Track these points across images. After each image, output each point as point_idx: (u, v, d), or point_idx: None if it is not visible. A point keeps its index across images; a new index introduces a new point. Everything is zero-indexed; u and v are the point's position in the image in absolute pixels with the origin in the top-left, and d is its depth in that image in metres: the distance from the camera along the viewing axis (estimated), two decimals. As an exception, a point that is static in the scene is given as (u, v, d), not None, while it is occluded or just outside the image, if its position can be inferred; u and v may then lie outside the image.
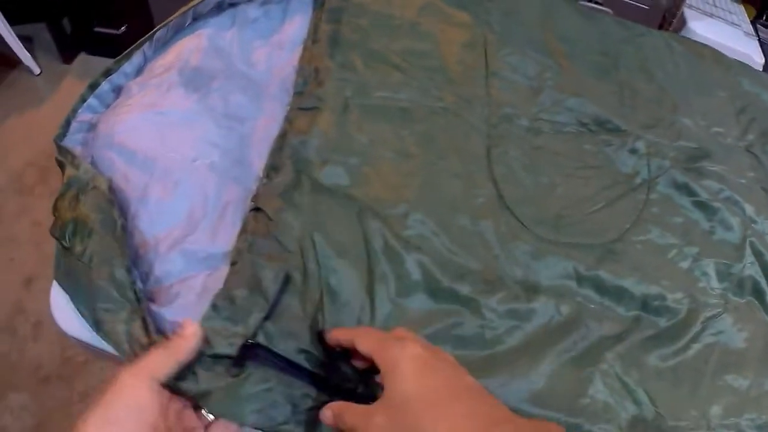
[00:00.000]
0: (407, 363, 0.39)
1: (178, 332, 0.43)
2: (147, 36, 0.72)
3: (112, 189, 0.55)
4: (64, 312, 0.52)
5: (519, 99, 0.70)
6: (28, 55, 1.82)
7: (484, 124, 0.67)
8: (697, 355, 0.59)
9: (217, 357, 0.43)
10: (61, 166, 0.60)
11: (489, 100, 0.69)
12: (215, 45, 0.71)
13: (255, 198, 0.56)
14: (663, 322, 0.60)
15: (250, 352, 0.44)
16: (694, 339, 0.60)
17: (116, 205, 0.54)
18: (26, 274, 1.44)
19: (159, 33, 0.71)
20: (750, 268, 0.69)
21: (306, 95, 0.64)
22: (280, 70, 0.68)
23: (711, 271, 0.68)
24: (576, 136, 0.72)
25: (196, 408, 0.43)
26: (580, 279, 0.59)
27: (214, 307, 0.45)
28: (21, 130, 1.73)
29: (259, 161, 0.60)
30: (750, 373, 0.59)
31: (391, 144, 0.60)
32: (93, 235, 0.51)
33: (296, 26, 0.76)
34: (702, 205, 0.73)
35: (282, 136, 0.60)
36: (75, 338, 0.54)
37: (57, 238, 0.56)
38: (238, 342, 0.44)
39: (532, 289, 0.56)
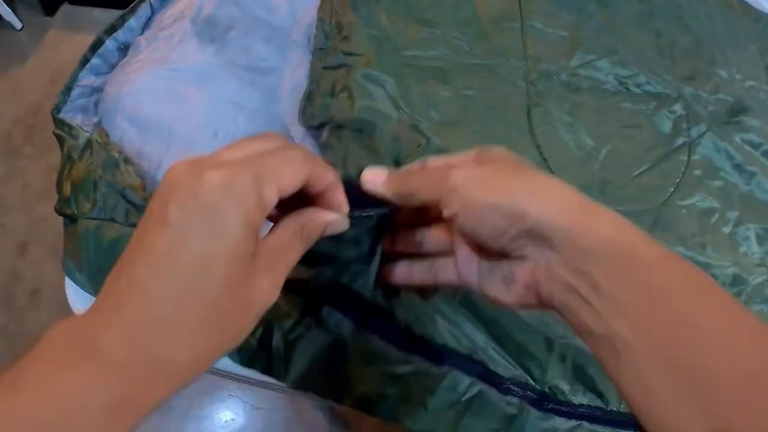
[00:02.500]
0: (495, 147, 0.36)
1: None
2: (153, -16, 0.66)
3: (120, 153, 0.52)
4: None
5: (557, 52, 0.65)
6: (8, 9, 1.73)
7: (522, 81, 0.62)
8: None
9: None
10: (60, 140, 0.55)
11: (526, 54, 0.64)
12: (230, -11, 0.64)
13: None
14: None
15: None
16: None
17: (111, 144, 0.51)
18: (19, 240, 1.39)
19: (167, -20, 0.65)
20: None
21: (330, 52, 0.59)
22: (305, 15, 0.62)
23: (751, 234, 0.66)
24: (614, 95, 0.68)
25: None
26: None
27: None
28: (5, 88, 1.65)
29: (290, 116, 0.55)
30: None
31: (425, 109, 0.55)
32: (99, 185, 0.48)
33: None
34: (740, 168, 0.70)
35: (308, 97, 0.55)
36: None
37: (63, 215, 0.52)
38: None
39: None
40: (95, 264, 0.49)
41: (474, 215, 0.32)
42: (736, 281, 0.60)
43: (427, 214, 0.39)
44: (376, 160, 0.49)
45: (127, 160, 0.51)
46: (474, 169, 0.34)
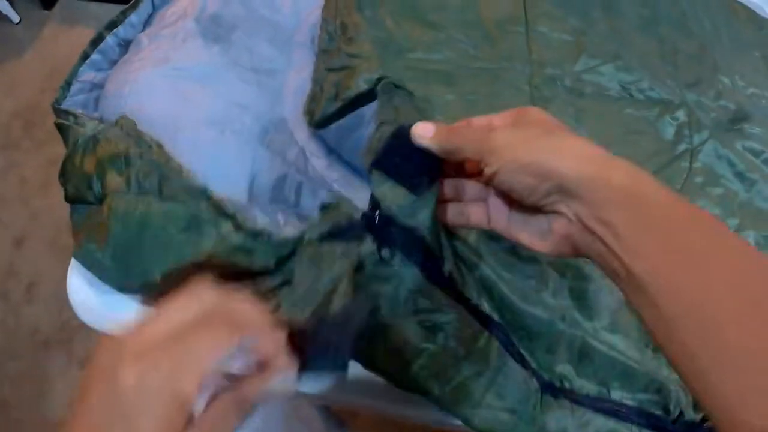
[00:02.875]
0: (533, 109, 0.39)
1: None
2: (155, -20, 0.65)
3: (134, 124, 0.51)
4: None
5: (561, 57, 0.65)
6: (6, 2, 1.73)
7: (527, 85, 0.62)
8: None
9: None
10: (62, 130, 0.54)
11: (530, 58, 0.64)
12: (235, -12, 0.64)
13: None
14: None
15: None
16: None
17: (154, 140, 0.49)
18: (16, 235, 1.39)
19: (170, -24, 0.64)
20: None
21: (334, 53, 0.58)
22: (310, 14, 0.62)
23: (751, 241, 0.66)
24: (617, 100, 0.68)
25: None
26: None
27: None
28: (3, 82, 1.64)
29: (294, 118, 0.54)
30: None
31: (429, 114, 0.55)
32: (132, 160, 0.47)
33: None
34: (741, 176, 0.70)
35: (312, 99, 0.55)
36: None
37: (77, 199, 0.50)
38: None
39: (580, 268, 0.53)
40: (123, 239, 0.47)
41: (511, 174, 0.36)
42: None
43: (464, 167, 0.43)
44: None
45: (160, 145, 0.50)
46: (511, 132, 0.37)
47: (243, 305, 0.34)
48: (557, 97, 0.62)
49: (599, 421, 0.48)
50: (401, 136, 0.40)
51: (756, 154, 0.74)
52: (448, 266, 0.43)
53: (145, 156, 0.47)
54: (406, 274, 0.43)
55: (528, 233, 0.39)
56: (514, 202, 0.40)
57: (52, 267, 1.31)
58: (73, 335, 1.24)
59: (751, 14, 0.98)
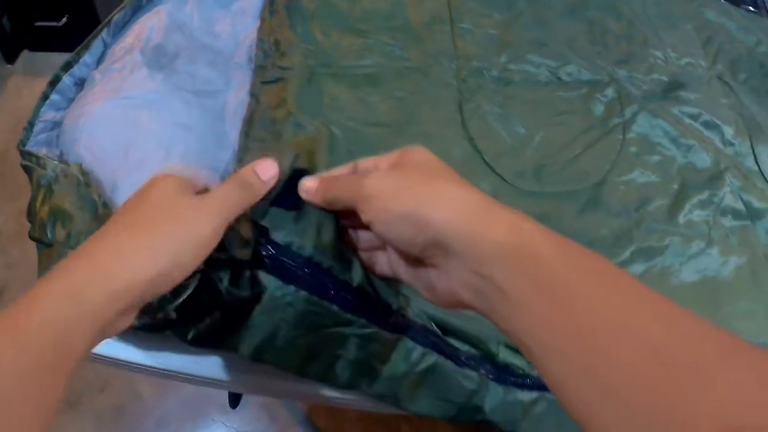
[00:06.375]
0: (418, 149, 0.38)
1: (256, 170, 0.40)
2: (105, 22, 0.70)
3: (84, 171, 0.54)
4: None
5: (487, 50, 0.69)
6: (-31, 59, 1.76)
7: (454, 80, 0.65)
8: (687, 292, 0.60)
9: None
10: (28, 171, 0.58)
11: (456, 54, 0.68)
12: (176, 20, 0.68)
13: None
14: (651, 264, 0.61)
15: None
16: (680, 274, 0.61)
17: (93, 185, 0.53)
18: (-6, 289, 1.42)
19: (117, 16, 0.69)
20: (729, 196, 0.69)
21: (269, 68, 0.63)
22: (247, 37, 0.66)
23: (694, 203, 0.68)
24: (546, 85, 0.71)
25: None
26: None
27: None
28: (-31, 138, 1.68)
29: (236, 133, 0.58)
30: (744, 301, 0.60)
31: (359, 113, 0.59)
32: (74, 219, 0.50)
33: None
34: (676, 142, 0.73)
35: (250, 116, 0.59)
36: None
37: (38, 239, 0.55)
38: None
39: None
40: None
41: (386, 224, 0.34)
42: (676, 255, 0.62)
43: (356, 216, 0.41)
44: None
45: (106, 204, 0.54)
46: (387, 178, 0.35)
47: None
48: (484, 87, 0.66)
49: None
50: (296, 177, 0.41)
51: (694, 117, 0.77)
52: (358, 279, 0.43)
53: (86, 216, 0.51)
54: (299, 298, 0.44)
55: (420, 284, 0.37)
56: (405, 254, 0.37)
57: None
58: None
59: (681, -12, 1.02)
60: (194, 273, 0.39)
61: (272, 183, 0.41)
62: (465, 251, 0.31)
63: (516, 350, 0.51)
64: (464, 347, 0.51)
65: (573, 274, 0.29)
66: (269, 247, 0.43)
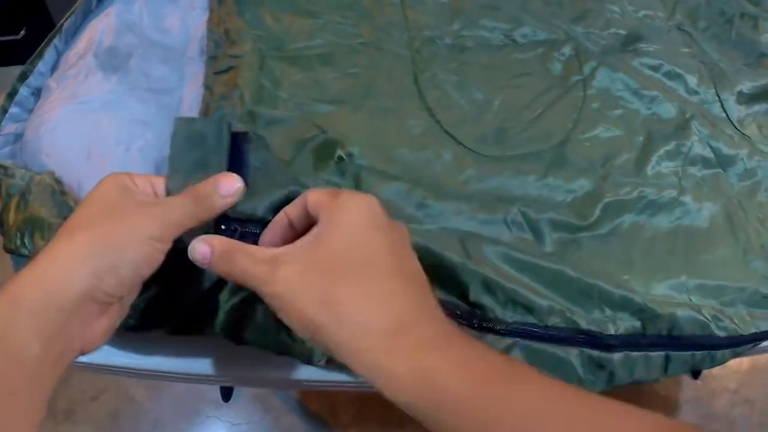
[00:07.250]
0: (358, 210, 0.35)
1: (217, 185, 0.39)
2: (56, 29, 0.69)
3: (57, 179, 0.54)
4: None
5: (438, 19, 0.69)
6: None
7: (407, 51, 0.65)
8: (662, 243, 0.60)
9: None
10: None
11: (407, 25, 0.68)
12: (125, 20, 0.68)
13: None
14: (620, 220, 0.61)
15: None
16: (652, 225, 0.61)
17: (69, 192, 0.53)
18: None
19: (68, 23, 0.69)
20: (697, 144, 0.70)
21: (220, 58, 0.62)
22: (197, 30, 0.66)
23: (661, 154, 0.68)
24: (501, 48, 0.71)
25: None
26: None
27: None
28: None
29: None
30: (721, 248, 0.61)
31: (314, 94, 0.59)
32: (53, 227, 0.50)
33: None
34: (638, 94, 0.73)
35: (205, 108, 0.59)
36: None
37: (15, 251, 0.55)
38: None
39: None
40: None
41: (288, 321, 0.34)
42: (647, 206, 0.63)
43: None
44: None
45: None
46: (301, 279, 0.34)
47: None
48: (438, 55, 0.65)
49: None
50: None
51: (655, 69, 0.77)
52: None
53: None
54: None
55: None
56: None
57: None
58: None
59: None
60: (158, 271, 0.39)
61: (233, 200, 0.40)
62: (376, 384, 0.32)
63: (489, 288, 0.51)
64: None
65: (483, 413, 0.30)
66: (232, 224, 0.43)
